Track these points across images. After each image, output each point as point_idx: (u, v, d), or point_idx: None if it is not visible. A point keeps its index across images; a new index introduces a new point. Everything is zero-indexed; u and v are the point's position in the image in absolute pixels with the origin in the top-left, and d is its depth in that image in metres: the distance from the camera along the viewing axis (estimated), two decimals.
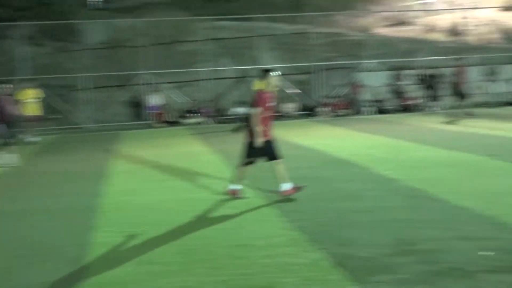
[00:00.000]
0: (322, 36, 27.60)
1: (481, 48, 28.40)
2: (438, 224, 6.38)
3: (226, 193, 8.47)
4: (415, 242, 5.74)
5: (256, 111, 7.94)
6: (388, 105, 25.90)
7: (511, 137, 14.10)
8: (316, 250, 5.63)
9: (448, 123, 18.43)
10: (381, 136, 15.95)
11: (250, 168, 8.41)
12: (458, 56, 23.49)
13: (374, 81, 26.18)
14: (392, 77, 26.76)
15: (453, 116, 18.69)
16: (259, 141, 7.97)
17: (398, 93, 26.48)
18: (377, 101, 25.83)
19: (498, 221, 6.38)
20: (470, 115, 19.87)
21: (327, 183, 9.23)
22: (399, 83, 26.61)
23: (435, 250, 5.46)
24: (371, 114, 24.84)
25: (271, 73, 8.19)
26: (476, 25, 29.78)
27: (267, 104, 8.04)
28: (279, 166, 8.15)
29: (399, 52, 27.45)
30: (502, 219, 6.42)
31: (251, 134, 8.08)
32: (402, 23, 31.06)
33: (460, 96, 19.08)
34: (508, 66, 27.61)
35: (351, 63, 26.85)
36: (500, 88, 26.87)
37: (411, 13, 31.28)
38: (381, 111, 25.19)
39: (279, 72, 8.48)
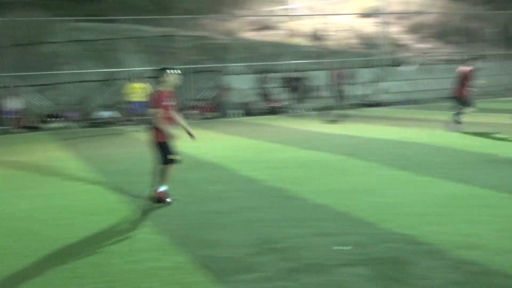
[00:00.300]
0: (189, 39, 27.68)
1: (340, 52, 29.84)
2: (299, 222, 6.62)
3: (152, 197, 7.99)
4: (276, 240, 5.91)
5: (156, 111, 7.66)
6: (254, 108, 26.48)
7: (367, 137, 14.96)
8: (180, 253, 5.63)
9: (321, 123, 19.15)
10: (247, 138, 16.27)
11: (173, 168, 8.02)
12: (333, 60, 24.51)
13: (241, 84, 26.67)
14: (258, 80, 27.40)
15: (326, 117, 19.51)
16: (171, 136, 7.75)
17: (264, 96, 27.18)
18: (243, 103, 26.33)
19: (353, 217, 6.75)
20: (344, 117, 20.73)
21: (192, 186, 9.25)
22: (265, 86, 27.30)
23: (295, 247, 5.66)
24: (238, 116, 25.28)
25: (168, 71, 7.89)
26: (335, 31, 31.27)
27: (164, 104, 7.74)
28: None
29: (264, 56, 28.18)
30: (357, 215, 6.79)
31: (161, 134, 7.77)
32: (266, 27, 31.92)
33: (338, 98, 19.96)
34: (365, 70, 29.30)
35: (217, 66, 27.14)
36: (357, 91, 28.40)
37: (274, 18, 32.26)
38: (248, 114, 25.74)
39: (179, 70, 8.22)
